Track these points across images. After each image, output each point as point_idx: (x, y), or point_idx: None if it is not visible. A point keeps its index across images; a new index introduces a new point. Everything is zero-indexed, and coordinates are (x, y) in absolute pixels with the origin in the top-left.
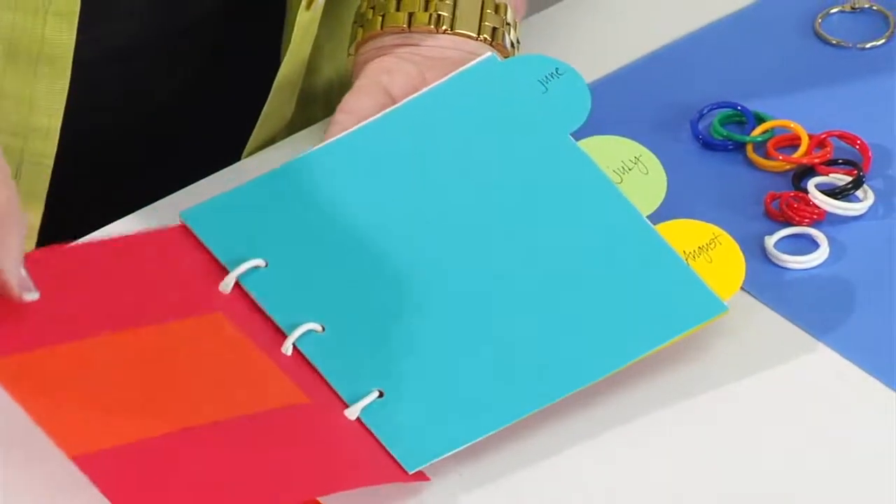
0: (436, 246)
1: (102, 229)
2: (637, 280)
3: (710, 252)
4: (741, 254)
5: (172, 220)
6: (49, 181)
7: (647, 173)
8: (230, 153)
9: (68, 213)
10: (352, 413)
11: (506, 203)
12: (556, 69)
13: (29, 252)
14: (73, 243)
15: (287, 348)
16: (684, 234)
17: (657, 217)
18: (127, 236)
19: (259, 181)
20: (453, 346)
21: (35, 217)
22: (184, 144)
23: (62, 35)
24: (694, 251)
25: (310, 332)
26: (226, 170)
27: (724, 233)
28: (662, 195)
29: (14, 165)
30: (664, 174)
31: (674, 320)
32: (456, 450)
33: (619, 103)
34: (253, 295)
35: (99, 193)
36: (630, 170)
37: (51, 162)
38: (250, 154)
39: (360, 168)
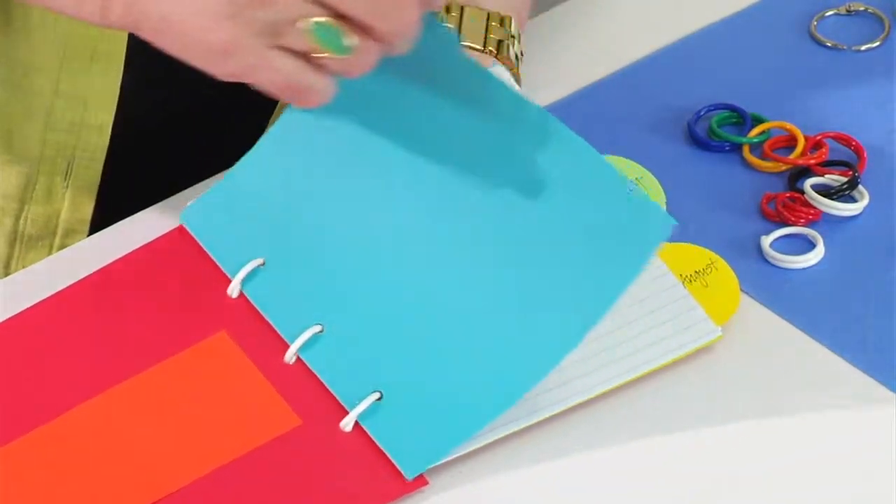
0: (415, 233)
1: (111, 228)
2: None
3: (706, 277)
4: (736, 280)
5: (170, 226)
6: (100, 175)
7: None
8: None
9: (119, 206)
10: (349, 422)
11: (509, 212)
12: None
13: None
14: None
15: (290, 357)
16: (681, 259)
17: None
18: (127, 256)
19: (243, 163)
20: (445, 342)
21: (86, 211)
22: (201, 143)
23: (116, 33)
24: (690, 275)
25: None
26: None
27: (721, 259)
28: None
29: (66, 161)
30: (664, 196)
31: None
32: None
33: (617, 105)
34: (254, 303)
35: (146, 187)
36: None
37: (102, 156)
38: None
39: (331, 145)
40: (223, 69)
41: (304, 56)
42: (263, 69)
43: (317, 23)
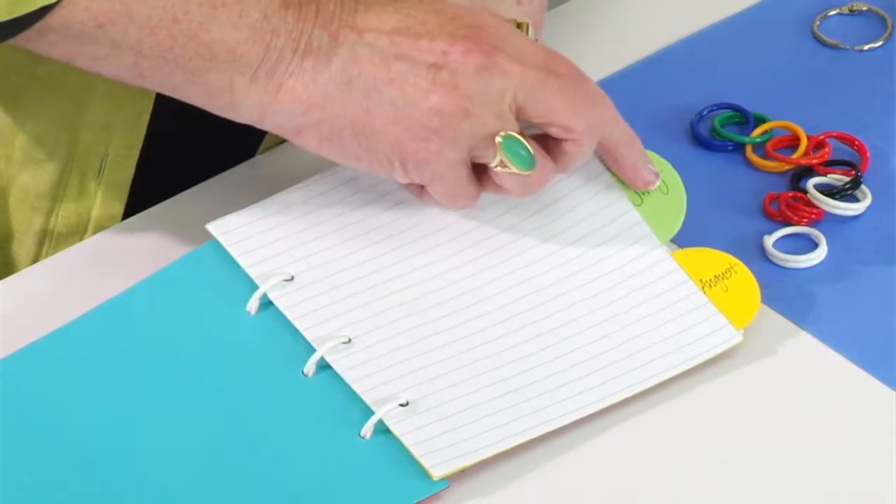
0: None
1: (138, 216)
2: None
3: (725, 281)
4: (756, 284)
5: (190, 217)
6: (133, 172)
7: (668, 193)
8: (250, 152)
9: (150, 203)
10: (370, 426)
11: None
12: None
13: None
14: None
15: (310, 368)
16: (701, 263)
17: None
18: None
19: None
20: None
21: (118, 207)
22: (206, 146)
23: None
24: (710, 280)
25: (336, 344)
26: (240, 166)
27: (740, 262)
28: (682, 216)
29: (99, 158)
30: (684, 192)
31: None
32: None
33: (620, 104)
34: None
35: (178, 182)
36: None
37: (136, 153)
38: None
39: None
40: (413, 176)
41: (482, 169)
42: (445, 177)
43: (508, 135)
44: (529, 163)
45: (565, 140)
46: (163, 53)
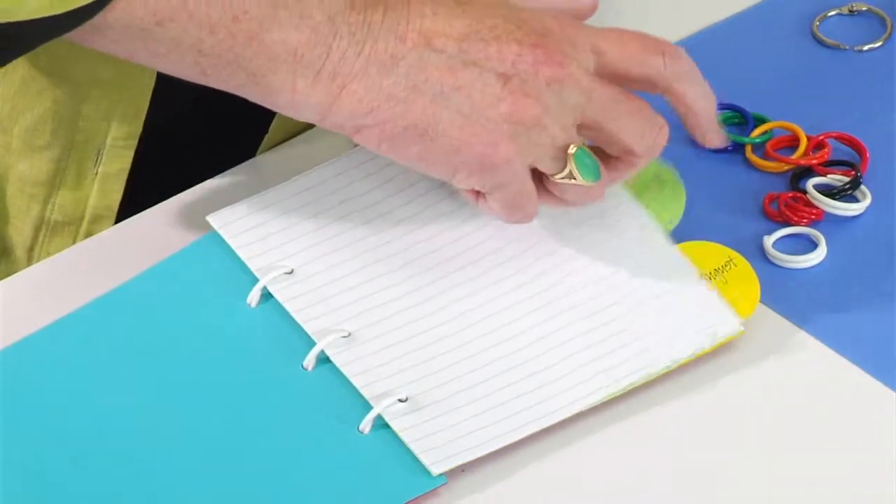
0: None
1: (135, 217)
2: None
3: (725, 274)
4: (756, 277)
5: (190, 216)
6: (131, 162)
7: (663, 190)
8: (250, 151)
9: (147, 193)
10: (369, 421)
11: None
12: None
13: None
14: None
15: (309, 361)
16: (700, 256)
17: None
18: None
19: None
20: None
21: (114, 197)
22: (233, 131)
23: None
24: (710, 273)
25: (336, 338)
26: (241, 166)
27: (739, 255)
28: (681, 210)
29: (97, 147)
30: (683, 189)
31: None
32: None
33: None
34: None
35: (176, 174)
36: (648, 186)
37: (134, 143)
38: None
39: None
40: (475, 181)
41: (540, 179)
42: (511, 186)
43: (580, 147)
44: (597, 174)
45: (620, 158)
46: (224, 53)
